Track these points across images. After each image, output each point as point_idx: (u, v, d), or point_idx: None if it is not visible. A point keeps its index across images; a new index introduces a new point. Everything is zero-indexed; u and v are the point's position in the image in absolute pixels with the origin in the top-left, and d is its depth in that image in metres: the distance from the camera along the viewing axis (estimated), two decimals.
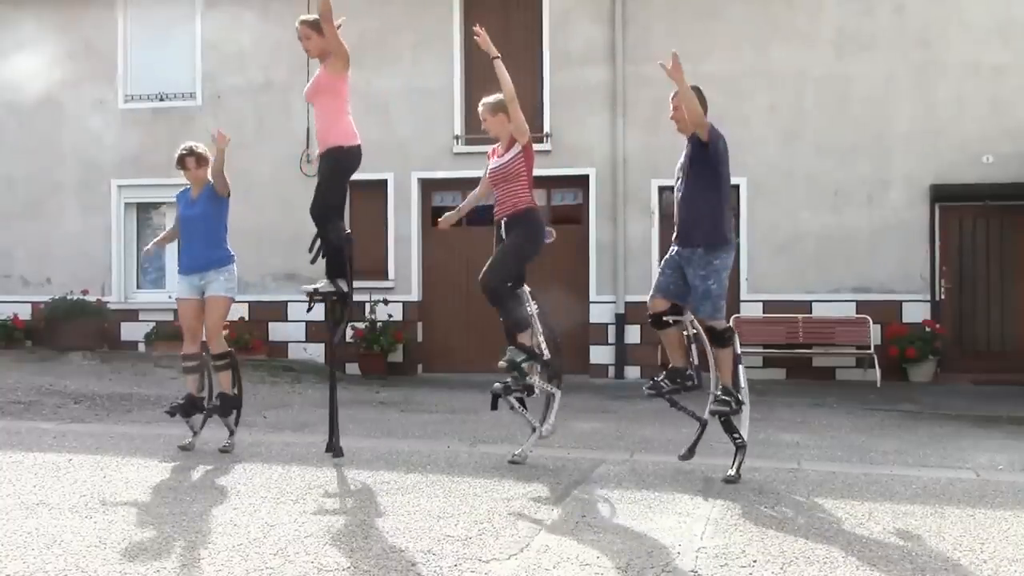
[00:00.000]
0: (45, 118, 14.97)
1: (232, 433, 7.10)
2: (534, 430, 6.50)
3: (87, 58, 14.95)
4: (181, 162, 7.12)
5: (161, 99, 14.75)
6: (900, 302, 13.03)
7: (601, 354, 13.61)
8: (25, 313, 14.68)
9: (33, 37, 15.00)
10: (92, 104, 14.84)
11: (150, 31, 14.90)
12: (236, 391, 7.12)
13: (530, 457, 6.53)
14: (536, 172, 12.95)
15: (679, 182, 6.17)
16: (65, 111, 14.89)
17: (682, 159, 6.17)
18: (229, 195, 7.14)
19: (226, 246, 7.22)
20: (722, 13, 13.47)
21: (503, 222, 6.46)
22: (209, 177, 7.07)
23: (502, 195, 6.48)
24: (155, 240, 7.88)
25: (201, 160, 7.11)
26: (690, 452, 6.26)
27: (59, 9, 15.06)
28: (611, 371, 13.53)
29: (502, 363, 6.32)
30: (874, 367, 12.53)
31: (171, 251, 14.26)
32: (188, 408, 7.12)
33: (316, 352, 13.76)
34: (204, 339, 7.19)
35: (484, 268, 6.44)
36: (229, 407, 7.09)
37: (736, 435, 6.06)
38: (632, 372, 13.37)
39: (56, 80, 14.90)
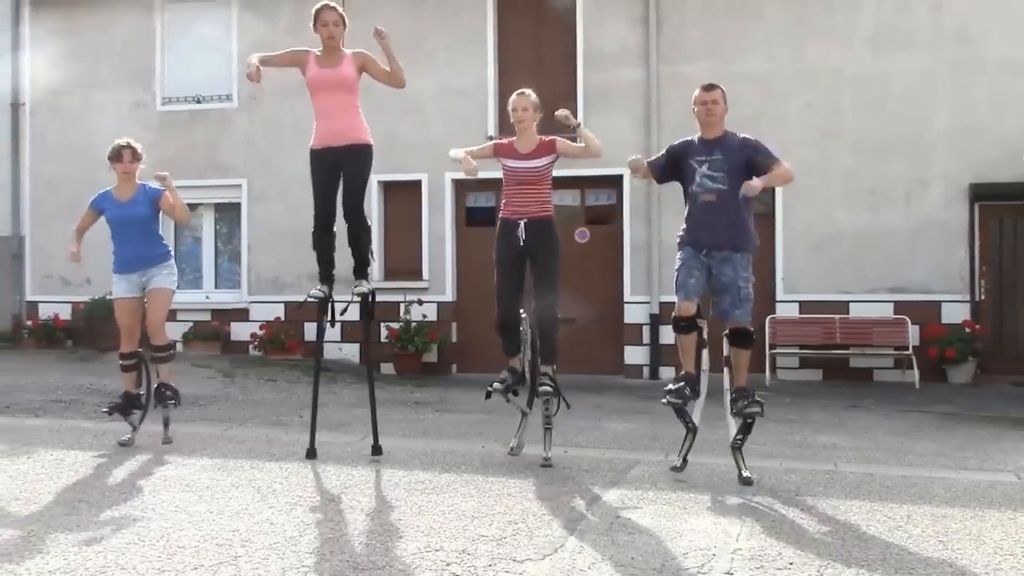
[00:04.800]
0: (84, 120, 15.19)
1: (167, 425, 7.27)
2: (524, 415, 6.77)
3: (125, 61, 15.17)
4: (118, 155, 7.20)
5: (198, 101, 14.92)
6: (939, 302, 12.86)
7: (636, 355, 13.57)
8: (66, 313, 14.92)
9: (72, 42, 15.28)
10: (130, 106, 15.05)
11: (187, 34, 15.09)
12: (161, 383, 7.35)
13: (562, 458, 6.57)
14: (569, 172, 12.85)
15: (712, 182, 6.18)
16: (104, 113, 15.08)
17: (713, 158, 6.18)
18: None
19: (164, 241, 7.50)
20: (757, 12, 13.37)
21: (524, 223, 6.48)
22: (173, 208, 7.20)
23: (527, 197, 6.55)
24: (74, 242, 7.52)
25: (136, 155, 7.26)
26: (685, 462, 6.16)
27: (97, 14, 15.31)
28: (646, 372, 13.48)
29: (498, 386, 6.48)
30: (912, 368, 12.38)
31: (208, 252, 14.57)
32: (126, 406, 7.28)
33: (351, 352, 13.81)
34: (137, 336, 7.41)
35: (541, 297, 6.49)
36: (171, 397, 7.29)
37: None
38: (667, 373, 13.26)
39: (95, 83, 15.15)
